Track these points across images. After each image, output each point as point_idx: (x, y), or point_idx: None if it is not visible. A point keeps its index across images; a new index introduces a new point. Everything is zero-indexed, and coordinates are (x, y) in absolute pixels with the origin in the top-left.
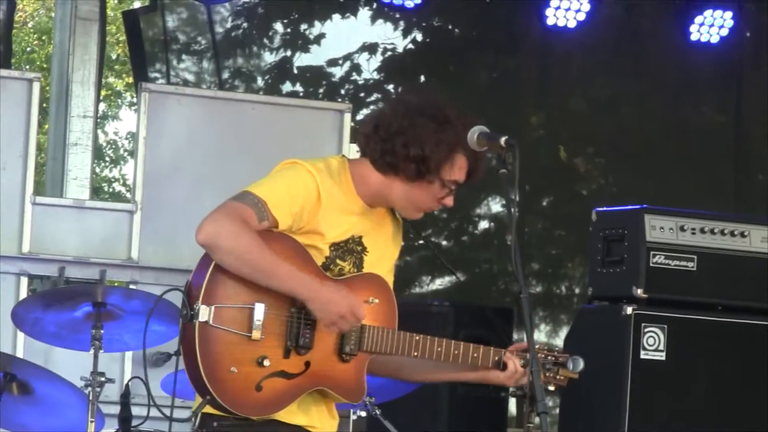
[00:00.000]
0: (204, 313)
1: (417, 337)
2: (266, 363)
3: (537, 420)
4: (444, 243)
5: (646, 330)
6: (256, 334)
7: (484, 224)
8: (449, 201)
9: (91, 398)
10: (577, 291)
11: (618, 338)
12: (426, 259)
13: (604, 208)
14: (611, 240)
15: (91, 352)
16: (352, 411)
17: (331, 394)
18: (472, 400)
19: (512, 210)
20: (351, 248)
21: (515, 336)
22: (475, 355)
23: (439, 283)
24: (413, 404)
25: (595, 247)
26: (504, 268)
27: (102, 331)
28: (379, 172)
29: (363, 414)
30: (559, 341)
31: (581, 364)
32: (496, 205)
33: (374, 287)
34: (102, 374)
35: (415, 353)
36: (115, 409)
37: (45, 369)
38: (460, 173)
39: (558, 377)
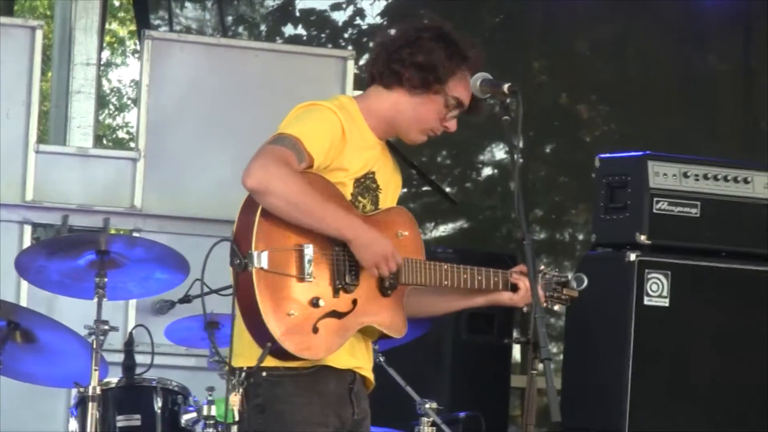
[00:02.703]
0: (259, 259)
1: (445, 267)
2: (321, 303)
3: (540, 366)
4: (447, 189)
5: (650, 276)
6: (309, 276)
7: (487, 171)
8: (452, 124)
9: (94, 346)
10: (580, 237)
11: (622, 284)
12: (429, 205)
13: (608, 155)
14: (614, 186)
15: (95, 300)
16: None
17: (378, 330)
18: (475, 347)
19: (515, 157)
20: (368, 185)
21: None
22: (495, 279)
23: (443, 230)
24: (417, 352)
25: (599, 193)
26: (507, 215)
27: (106, 280)
28: (384, 88)
29: None
30: None
31: (585, 281)
32: (499, 152)
33: (401, 220)
34: (106, 322)
35: (446, 282)
36: (119, 358)
37: (48, 317)
38: (464, 93)
39: (562, 296)
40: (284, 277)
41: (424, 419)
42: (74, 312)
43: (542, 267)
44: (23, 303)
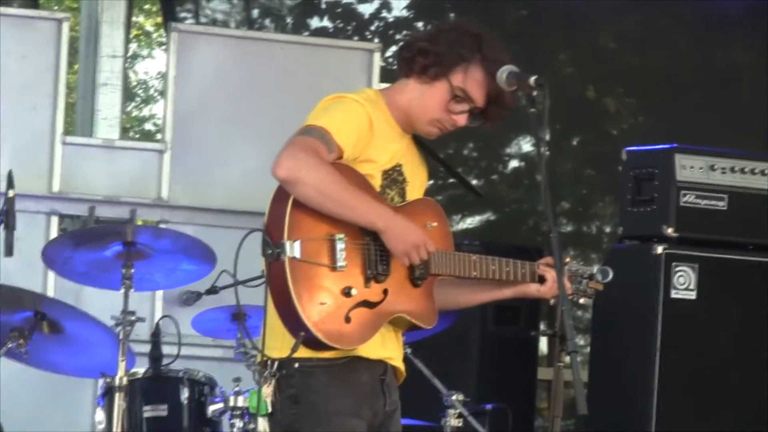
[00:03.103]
0: (291, 248)
1: (474, 257)
2: (353, 292)
3: (567, 359)
4: (474, 182)
5: (677, 269)
6: (341, 265)
7: (514, 163)
8: (461, 119)
9: (121, 337)
10: (607, 230)
11: (649, 277)
12: (456, 198)
13: (635, 148)
14: (641, 179)
15: (122, 291)
16: None
17: (409, 320)
18: (502, 339)
19: (542, 149)
20: (395, 178)
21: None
22: (523, 271)
23: (470, 222)
24: (444, 343)
25: (626, 186)
26: (534, 207)
27: (132, 271)
28: (404, 78)
29: None
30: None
31: (610, 274)
32: (526, 145)
33: (430, 211)
34: (132, 313)
35: (475, 273)
36: (146, 348)
37: (75, 308)
38: (473, 86)
39: (588, 290)
40: (316, 267)
41: (451, 411)
42: (101, 303)
43: (568, 259)
44: (50, 293)
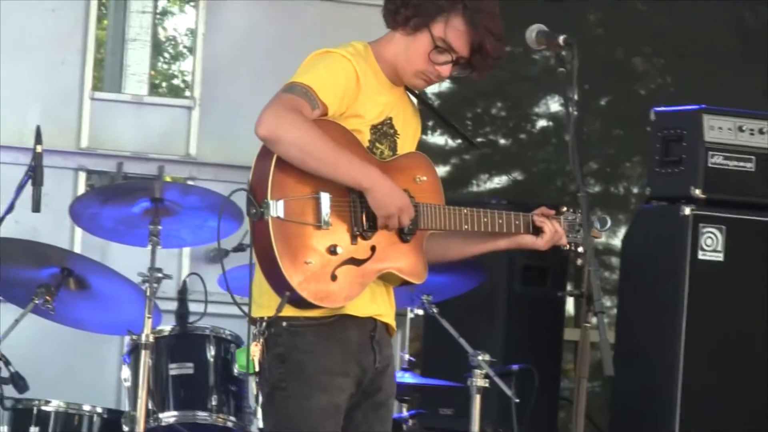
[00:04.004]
0: (275, 207)
1: (465, 211)
2: (339, 250)
3: (594, 320)
4: (502, 141)
5: (705, 230)
6: (325, 223)
7: (542, 123)
8: (444, 70)
9: (148, 294)
10: (635, 191)
11: (676, 238)
12: (484, 157)
13: (663, 108)
14: (670, 140)
15: (149, 247)
16: (409, 309)
17: (398, 276)
18: (529, 300)
19: (570, 109)
20: (385, 131)
21: None
22: (517, 222)
23: (497, 181)
24: (470, 303)
25: (654, 147)
26: (562, 167)
27: (160, 227)
28: (390, 31)
29: (420, 312)
30: (617, 241)
31: (608, 223)
32: (554, 104)
33: (420, 165)
34: (159, 270)
35: (466, 226)
36: (172, 306)
37: (102, 264)
38: (454, 36)
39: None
40: (301, 226)
41: (477, 371)
42: (127, 259)
43: (563, 208)
44: (77, 250)
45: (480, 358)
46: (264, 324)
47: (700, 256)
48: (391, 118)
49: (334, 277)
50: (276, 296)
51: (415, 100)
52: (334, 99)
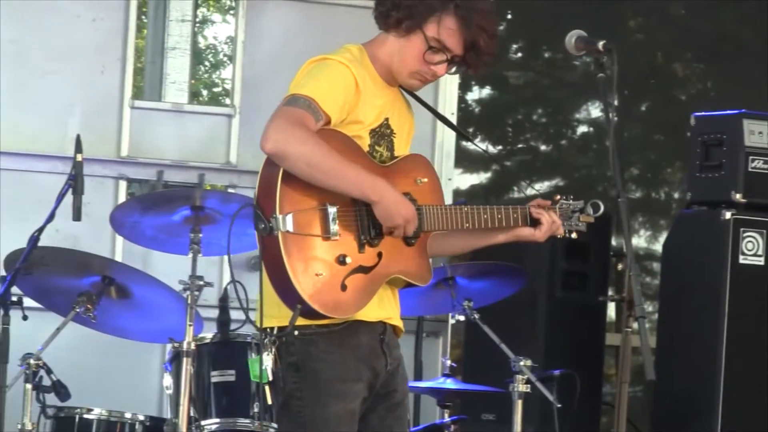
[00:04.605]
0: (284, 222)
1: (465, 209)
2: (348, 260)
3: (635, 325)
4: (543, 147)
5: (745, 235)
6: (334, 235)
7: (582, 128)
8: (440, 69)
9: (189, 302)
10: (675, 196)
11: (717, 243)
12: (525, 163)
13: (703, 113)
14: (710, 145)
15: (190, 255)
16: (450, 315)
17: (403, 280)
18: (570, 305)
19: (610, 114)
20: (383, 132)
21: (613, 241)
22: (515, 215)
23: (538, 187)
24: (512, 309)
25: (694, 152)
26: (602, 173)
27: (200, 235)
28: (382, 33)
29: (462, 318)
30: (657, 246)
31: (601, 208)
32: (595, 110)
33: (419, 167)
34: (200, 278)
35: (467, 224)
36: (214, 313)
37: (143, 272)
38: (448, 35)
39: (579, 224)
40: (310, 238)
41: (519, 377)
42: (169, 267)
43: (558, 197)
44: (118, 258)
45: (522, 363)
46: (275, 333)
47: (741, 260)
48: (387, 119)
49: (344, 287)
50: (284, 306)
51: (408, 97)
52: (335, 108)
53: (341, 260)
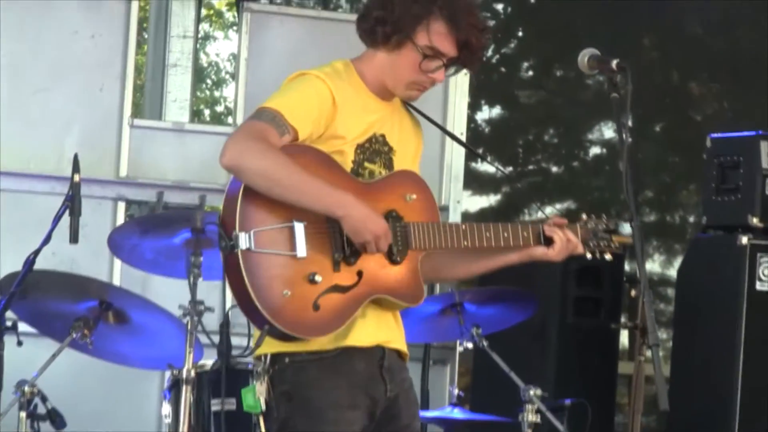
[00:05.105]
0: (244, 240)
1: (464, 227)
2: (318, 279)
3: (649, 353)
4: (554, 169)
5: (762, 260)
6: (301, 252)
7: (595, 150)
8: (439, 75)
9: (189, 328)
10: (691, 219)
11: (733, 268)
12: (535, 185)
13: (719, 134)
14: (726, 167)
15: (190, 279)
16: (458, 342)
17: (391, 301)
18: (581, 331)
19: (624, 135)
20: (377, 149)
21: (626, 266)
22: (525, 234)
23: (549, 210)
24: (521, 336)
25: (710, 174)
26: (615, 196)
27: (201, 259)
28: (370, 49)
29: (470, 345)
30: (672, 271)
31: (625, 227)
32: (608, 131)
33: (409, 183)
34: (201, 303)
35: (465, 243)
36: (215, 339)
37: (142, 297)
38: (439, 40)
39: (612, 244)
40: (275, 256)
41: (529, 406)
42: (168, 292)
43: (583, 216)
44: (116, 282)
45: (531, 392)
46: (268, 361)
47: (758, 286)
48: (383, 135)
49: (316, 307)
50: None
51: (415, 114)
52: (305, 122)
53: (311, 279)
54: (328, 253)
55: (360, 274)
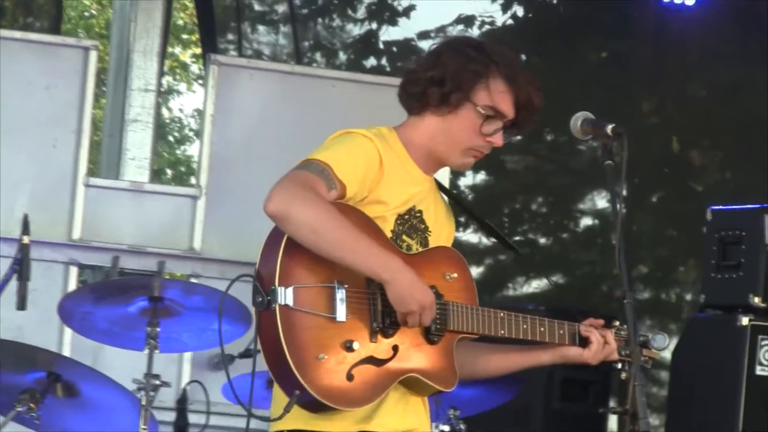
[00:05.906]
0: (283, 295)
1: (502, 314)
2: (355, 347)
3: None
4: (542, 241)
5: (764, 343)
6: (341, 316)
7: (587, 221)
8: (497, 139)
9: (144, 403)
10: (688, 298)
11: (732, 351)
12: (521, 258)
13: (721, 207)
14: (728, 242)
15: (146, 352)
16: (434, 425)
17: (424, 383)
18: (568, 416)
19: (618, 206)
20: (415, 225)
21: None
22: (561, 332)
23: (536, 285)
24: (503, 419)
25: (710, 249)
26: (608, 271)
27: (158, 329)
28: (415, 116)
29: (446, 429)
30: (666, 353)
31: (666, 341)
32: (601, 200)
33: (451, 261)
34: (157, 377)
35: (502, 332)
36: (171, 416)
37: (93, 369)
38: (499, 99)
39: (642, 358)
40: (313, 317)
41: None
42: (122, 364)
43: (616, 322)
44: (66, 352)
45: None
46: None
47: (758, 371)
48: (420, 211)
49: (350, 377)
50: (295, 409)
51: (446, 198)
52: (353, 179)
53: (348, 346)
54: (366, 321)
55: (396, 348)
